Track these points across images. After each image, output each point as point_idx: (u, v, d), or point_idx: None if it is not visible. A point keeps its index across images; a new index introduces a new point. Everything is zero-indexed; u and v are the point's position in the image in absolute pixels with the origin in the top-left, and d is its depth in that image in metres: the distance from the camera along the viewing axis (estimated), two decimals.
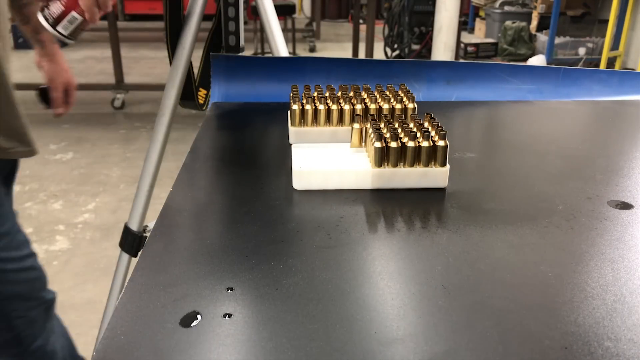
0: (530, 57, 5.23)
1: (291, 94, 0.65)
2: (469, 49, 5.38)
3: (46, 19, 0.70)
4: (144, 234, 0.96)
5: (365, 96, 0.66)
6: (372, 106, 0.64)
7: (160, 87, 0.94)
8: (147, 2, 7.02)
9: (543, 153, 0.66)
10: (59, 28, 0.70)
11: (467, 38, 5.82)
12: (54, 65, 1.04)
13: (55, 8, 0.69)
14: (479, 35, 6.18)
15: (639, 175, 0.59)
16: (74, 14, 0.69)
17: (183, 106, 0.98)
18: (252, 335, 0.35)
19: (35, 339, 0.98)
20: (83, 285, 2.08)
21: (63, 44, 0.79)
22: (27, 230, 2.44)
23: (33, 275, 0.95)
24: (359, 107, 0.64)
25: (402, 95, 0.66)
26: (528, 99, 0.91)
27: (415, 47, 5.11)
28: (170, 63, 0.91)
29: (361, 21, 5.02)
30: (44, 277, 0.98)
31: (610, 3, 4.48)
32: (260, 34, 4.70)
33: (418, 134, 0.54)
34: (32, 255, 0.95)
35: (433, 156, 0.54)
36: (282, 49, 0.98)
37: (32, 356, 0.99)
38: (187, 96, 0.97)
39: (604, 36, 4.66)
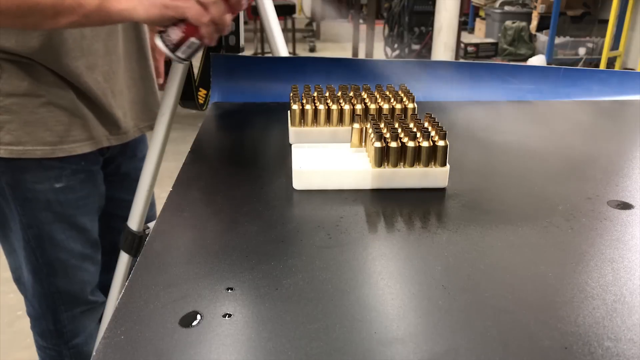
0: (530, 57, 5.23)
1: (291, 94, 0.65)
2: (469, 49, 5.38)
3: (165, 45, 0.72)
4: (144, 234, 0.96)
5: (365, 96, 0.66)
6: (372, 106, 0.64)
7: (160, 87, 0.93)
8: None
9: (543, 153, 0.66)
10: (178, 53, 0.72)
11: (467, 38, 5.82)
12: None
13: (175, 35, 0.71)
14: (479, 35, 6.18)
15: (639, 175, 0.59)
16: (192, 39, 0.71)
17: (183, 106, 0.98)
18: (252, 335, 0.35)
19: (76, 336, 1.03)
20: None
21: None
22: None
23: (87, 277, 1.00)
24: (359, 107, 0.64)
25: (402, 95, 0.66)
26: (528, 99, 0.90)
27: (415, 47, 5.11)
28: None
29: (361, 21, 5.02)
30: (95, 280, 1.01)
31: (610, 3, 4.48)
32: (260, 34, 4.70)
33: (418, 134, 0.53)
34: (94, 258, 0.99)
35: (433, 156, 0.54)
36: (282, 49, 0.98)
37: (68, 350, 1.04)
38: (187, 96, 0.97)
39: (604, 36, 4.66)
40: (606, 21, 4.56)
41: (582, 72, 0.95)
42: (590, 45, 5.11)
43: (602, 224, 0.49)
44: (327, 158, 0.57)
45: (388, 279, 0.40)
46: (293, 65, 0.88)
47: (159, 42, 0.72)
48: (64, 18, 0.69)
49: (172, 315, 0.36)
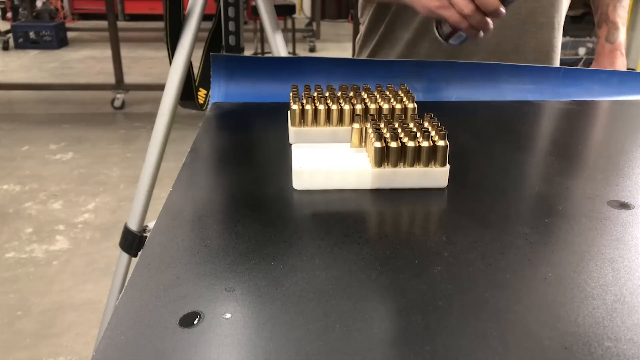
0: None
1: (291, 94, 0.65)
2: None
3: (440, 35, 0.83)
4: (144, 234, 0.96)
5: (365, 96, 0.66)
6: (372, 106, 0.64)
7: (160, 87, 0.94)
8: (147, 2, 7.03)
9: (543, 153, 0.66)
10: (450, 41, 0.83)
11: None
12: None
13: (446, 28, 0.82)
14: None
15: (639, 175, 0.59)
16: (460, 33, 0.80)
17: (183, 106, 0.98)
18: (252, 335, 0.35)
19: None
20: (83, 285, 2.08)
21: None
22: (27, 230, 2.45)
23: None
24: (359, 107, 0.64)
25: (402, 95, 0.66)
26: (528, 99, 0.90)
27: None
28: (170, 63, 0.91)
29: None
30: None
31: None
32: (260, 34, 4.70)
33: (418, 134, 0.54)
34: None
35: (433, 156, 0.54)
36: (282, 49, 0.98)
37: None
38: (187, 96, 0.98)
39: None
40: None
41: (582, 72, 0.95)
42: (590, 45, 5.11)
43: (602, 224, 0.49)
44: (327, 158, 0.57)
45: (388, 279, 0.40)
46: (293, 65, 0.88)
47: (435, 30, 0.84)
48: None
49: (172, 315, 0.36)
